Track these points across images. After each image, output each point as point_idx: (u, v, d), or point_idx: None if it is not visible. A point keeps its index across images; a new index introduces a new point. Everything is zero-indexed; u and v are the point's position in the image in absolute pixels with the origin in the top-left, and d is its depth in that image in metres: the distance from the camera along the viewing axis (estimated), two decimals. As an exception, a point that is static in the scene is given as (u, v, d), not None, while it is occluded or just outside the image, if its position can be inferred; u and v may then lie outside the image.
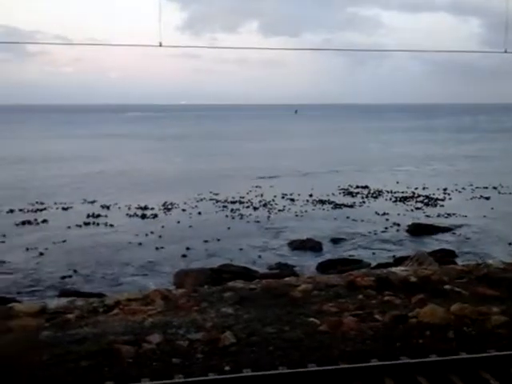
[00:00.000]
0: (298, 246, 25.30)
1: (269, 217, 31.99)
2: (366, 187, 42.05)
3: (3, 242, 26.59)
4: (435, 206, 35.36)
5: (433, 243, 26.05)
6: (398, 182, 44.46)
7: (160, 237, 27.46)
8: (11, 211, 33.44)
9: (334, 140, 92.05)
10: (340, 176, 48.73)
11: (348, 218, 31.63)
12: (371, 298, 11.66)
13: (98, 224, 30.52)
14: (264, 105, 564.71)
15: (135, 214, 32.89)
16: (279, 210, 33.88)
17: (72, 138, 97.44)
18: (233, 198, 37.52)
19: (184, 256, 24.22)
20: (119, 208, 34.62)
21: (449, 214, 32.33)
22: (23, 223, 30.50)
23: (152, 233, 28.18)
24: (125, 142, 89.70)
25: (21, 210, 33.63)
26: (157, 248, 25.41)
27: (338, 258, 23.02)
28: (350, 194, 39.88)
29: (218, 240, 26.68)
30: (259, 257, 24.07)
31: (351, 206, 35.13)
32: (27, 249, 25.26)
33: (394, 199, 37.70)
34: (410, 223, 29.30)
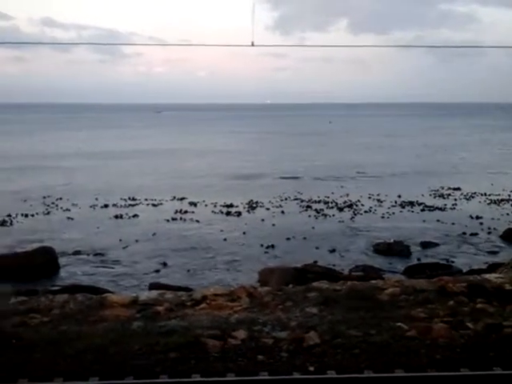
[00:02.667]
0: (385, 248, 24.72)
1: (353, 218, 31.53)
2: (459, 189, 40.49)
3: (96, 234, 27.98)
4: (533, 210, 33.42)
5: (530, 250, 24.65)
6: (492, 184, 42.45)
7: (244, 233, 27.84)
8: (105, 206, 35.12)
9: (433, 139, 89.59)
10: (432, 177, 47.24)
11: (438, 220, 30.56)
12: (463, 304, 11.18)
13: (184, 220, 31.39)
14: (349, 104, 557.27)
15: (220, 212, 33.52)
16: (365, 211, 33.30)
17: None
18: (317, 197, 37.34)
19: (268, 254, 24.39)
20: (206, 205, 35.42)
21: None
22: (116, 217, 31.94)
23: (236, 230, 28.61)
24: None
25: (114, 205, 35.25)
26: (241, 245, 25.78)
27: (426, 263, 22.28)
28: (441, 195, 38.53)
29: (302, 239, 26.64)
30: (344, 258, 23.79)
31: (442, 209, 33.91)
32: (120, 240, 26.45)
33: (488, 202, 36.02)
34: (505, 228, 27.85)
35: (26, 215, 32.02)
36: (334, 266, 21.93)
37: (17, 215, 31.81)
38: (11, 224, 30.12)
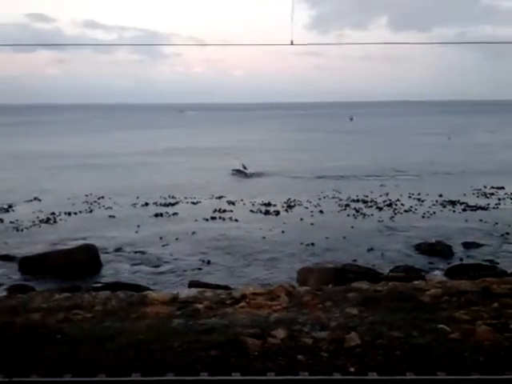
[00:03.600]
0: (426, 248, 24.28)
1: (393, 217, 31.10)
2: (502, 188, 39.48)
3: (137, 232, 28.39)
4: None
5: None
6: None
7: (283, 232, 27.81)
8: (146, 204, 35.63)
9: (475, 137, 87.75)
10: (474, 175, 46.23)
11: (481, 220, 29.85)
12: (508, 306, 10.91)
13: (223, 218, 31.55)
14: (387, 102, 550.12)
15: (259, 211, 33.57)
16: (405, 211, 32.81)
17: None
18: (356, 196, 37.00)
19: (307, 253, 24.28)
20: (244, 204, 35.53)
21: None
22: (157, 215, 32.37)
23: (275, 228, 28.60)
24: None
25: (154, 203, 35.72)
26: (280, 243, 25.74)
27: (469, 263, 21.77)
28: (484, 194, 37.66)
29: (341, 239, 26.42)
30: (384, 257, 23.48)
31: (485, 208, 33.12)
32: (160, 238, 26.81)
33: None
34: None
35: (69, 213, 32.76)
36: (373, 265, 21.66)
37: (60, 213, 32.57)
38: (55, 222, 30.87)
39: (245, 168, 50.70)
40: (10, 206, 34.90)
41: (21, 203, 36.06)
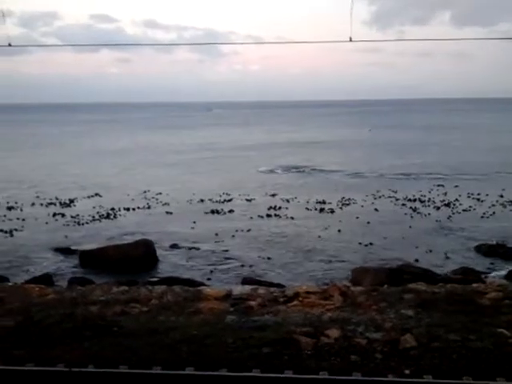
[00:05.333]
0: (486, 250, 23.51)
1: (451, 217, 30.27)
2: None
3: (193, 228, 28.80)
4: None
5: None
6: None
7: (339, 231, 27.56)
8: (202, 200, 36.09)
9: None
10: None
11: (545, 222, 28.67)
12: None
13: (279, 216, 31.56)
14: (450, 99, 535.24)
15: (314, 208, 33.40)
16: (463, 210, 31.90)
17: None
18: (412, 196, 36.24)
19: (363, 252, 23.98)
20: (298, 202, 35.43)
21: None
22: (212, 212, 32.73)
23: (331, 227, 28.38)
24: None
25: (210, 200, 36.15)
26: (335, 242, 25.54)
27: (532, 266, 20.96)
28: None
29: (399, 238, 25.95)
30: (441, 258, 22.90)
31: (550, 210, 31.78)
32: (216, 234, 27.10)
33: None
34: None
35: (128, 209, 33.60)
36: (431, 266, 21.16)
37: (120, 209, 33.45)
38: (115, 217, 31.73)
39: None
40: (72, 201, 36.14)
41: (82, 198, 37.28)
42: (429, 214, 31.22)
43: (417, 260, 22.24)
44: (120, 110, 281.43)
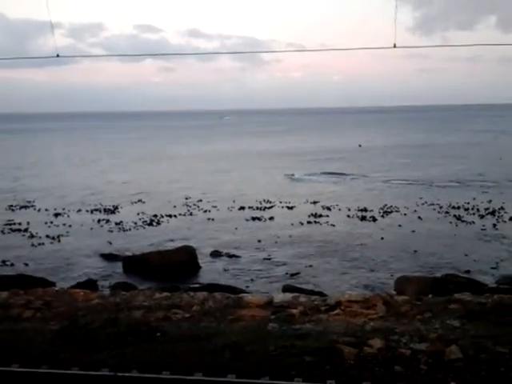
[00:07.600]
0: (535, 259, 22.80)
1: (496, 225, 29.45)
2: None
3: (234, 234, 28.92)
4: None
5: None
6: None
7: (382, 239, 27.17)
8: (242, 208, 36.20)
9: None
10: None
11: None
12: None
13: (320, 223, 31.37)
14: (497, 104, 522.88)
15: (355, 216, 33.05)
16: (509, 219, 31.00)
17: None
18: (456, 203, 35.46)
19: (406, 261, 23.56)
20: (339, 209, 35.13)
21: None
22: (253, 219, 32.79)
23: (373, 235, 28.02)
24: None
25: (250, 207, 36.22)
26: (378, 250, 25.18)
27: None
28: None
29: (443, 247, 25.39)
30: (488, 268, 22.27)
31: None
32: (258, 241, 27.14)
33: None
34: None
35: (170, 215, 33.99)
36: (477, 276, 20.63)
37: (162, 216, 33.87)
38: (158, 224, 32.14)
39: None
40: (116, 208, 36.82)
41: (126, 205, 37.94)
42: (473, 222, 30.48)
43: (462, 269, 21.72)
44: (171, 118, 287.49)
